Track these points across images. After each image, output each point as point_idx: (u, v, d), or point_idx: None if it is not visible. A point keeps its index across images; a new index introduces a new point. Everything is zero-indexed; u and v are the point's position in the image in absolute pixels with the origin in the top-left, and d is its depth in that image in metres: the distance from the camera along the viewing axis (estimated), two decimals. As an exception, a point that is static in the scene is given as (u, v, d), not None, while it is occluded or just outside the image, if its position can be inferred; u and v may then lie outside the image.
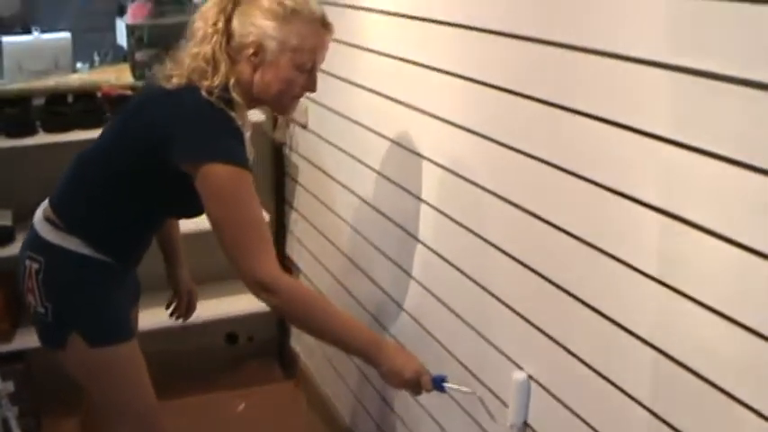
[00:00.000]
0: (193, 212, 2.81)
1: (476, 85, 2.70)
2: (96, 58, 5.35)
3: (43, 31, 4.74)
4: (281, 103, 2.84)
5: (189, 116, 2.62)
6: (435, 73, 2.96)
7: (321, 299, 2.90)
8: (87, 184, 2.83)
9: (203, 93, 2.60)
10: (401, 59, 3.22)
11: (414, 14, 3.09)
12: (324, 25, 2.75)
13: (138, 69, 4.76)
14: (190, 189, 2.61)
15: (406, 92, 3.22)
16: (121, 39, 5.76)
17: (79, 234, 2.78)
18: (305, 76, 2.76)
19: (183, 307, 3.51)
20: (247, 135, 2.76)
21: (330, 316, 2.75)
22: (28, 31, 4.77)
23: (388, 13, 3.31)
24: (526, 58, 2.45)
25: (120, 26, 5.79)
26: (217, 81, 2.63)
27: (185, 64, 2.68)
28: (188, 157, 2.58)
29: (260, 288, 2.60)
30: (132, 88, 4.46)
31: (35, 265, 2.80)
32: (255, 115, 4.64)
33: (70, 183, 2.87)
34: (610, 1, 2.08)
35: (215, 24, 2.68)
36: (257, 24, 2.66)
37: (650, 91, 1.95)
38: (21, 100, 4.31)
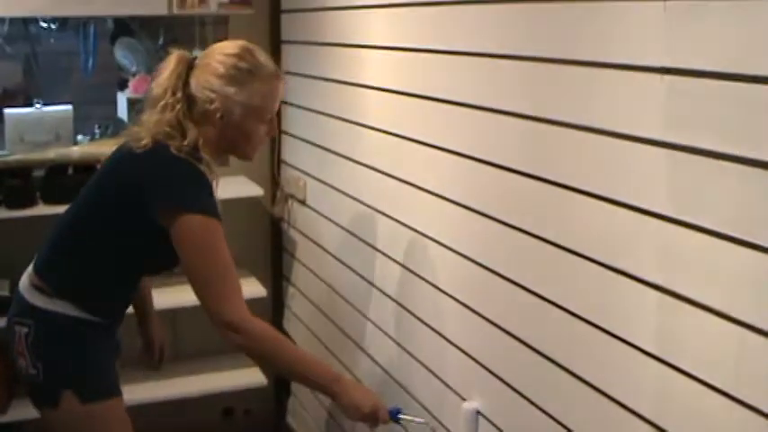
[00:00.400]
0: (172, 264, 2.89)
1: (475, 163, 2.72)
2: (97, 131, 5.39)
3: (45, 104, 4.77)
4: (246, 153, 2.97)
5: (162, 172, 2.75)
6: (434, 150, 2.98)
7: (285, 339, 3.02)
8: (70, 247, 2.91)
9: (173, 150, 2.72)
10: (400, 137, 3.24)
11: (414, 92, 3.12)
12: (277, 77, 2.89)
13: (138, 143, 4.77)
14: (166, 241, 2.71)
15: (404, 169, 3.24)
16: (122, 112, 5.80)
17: (66, 297, 2.83)
18: (266, 125, 2.90)
19: (156, 354, 3.54)
20: (215, 185, 2.85)
21: (294, 355, 2.92)
22: (30, 104, 4.80)
23: (388, 91, 3.35)
24: (524, 137, 2.47)
25: (122, 100, 5.83)
26: (187, 142, 2.74)
27: (152, 127, 2.77)
28: (164, 210, 2.70)
29: (229, 329, 2.71)
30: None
31: (24, 330, 2.85)
32: (253, 190, 4.66)
33: (53, 248, 2.93)
34: (608, 80, 2.10)
35: (174, 93, 2.79)
36: (218, 91, 2.78)
37: (648, 169, 1.97)
38: (21, 171, 4.33)
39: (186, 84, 2.81)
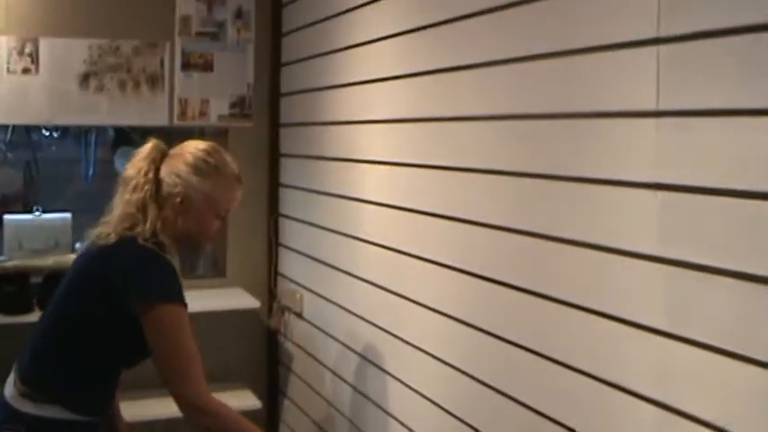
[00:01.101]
0: (148, 354, 2.91)
1: (471, 278, 2.74)
2: (95, 239, 5.38)
3: (44, 211, 4.80)
4: (200, 243, 3.07)
5: (131, 264, 2.83)
6: (430, 264, 3.00)
7: (242, 416, 3.02)
8: (49, 351, 2.93)
9: (140, 240, 2.82)
10: (397, 251, 3.27)
11: (410, 207, 3.16)
12: (238, 181, 3.03)
13: (135, 252, 4.79)
14: (140, 331, 2.79)
15: (400, 283, 3.26)
16: (121, 221, 5.80)
17: (53, 401, 2.85)
18: (219, 220, 3.01)
19: None
20: (175, 263, 2.94)
21: (251, 428, 2.94)
22: (29, 210, 4.82)
23: (385, 205, 3.38)
24: (519, 252, 2.50)
25: (121, 209, 5.83)
26: (148, 226, 2.85)
27: (115, 217, 2.90)
28: (135, 301, 2.78)
29: (194, 410, 2.80)
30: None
31: None
32: (250, 302, 4.66)
33: (33, 354, 2.96)
34: (602, 196, 2.14)
35: (146, 174, 2.93)
36: (184, 178, 2.92)
37: (643, 284, 1.99)
38: (19, 277, 4.34)
39: (158, 170, 2.94)
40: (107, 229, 2.89)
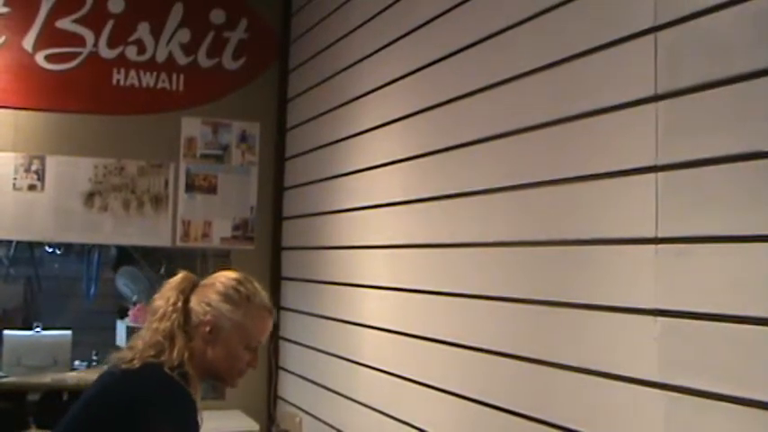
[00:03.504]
0: None
1: (473, 404, 2.73)
2: (94, 358, 5.38)
3: (44, 328, 4.80)
4: (228, 377, 2.94)
5: (152, 393, 2.71)
6: (431, 390, 3.00)
7: None
8: None
9: (166, 369, 2.71)
10: (397, 376, 3.27)
11: (411, 332, 3.17)
12: (269, 312, 2.93)
13: (134, 372, 4.77)
14: None
15: (401, 408, 3.24)
16: (121, 340, 5.81)
17: None
18: (250, 353, 2.89)
19: None
20: (198, 403, 2.84)
21: None
22: (29, 326, 4.83)
23: (385, 330, 3.39)
24: (520, 378, 2.50)
25: (121, 328, 5.85)
26: (175, 355, 2.75)
27: (140, 345, 2.80)
28: (146, 429, 2.65)
29: None
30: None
31: None
32: (249, 425, 4.63)
33: None
34: (603, 322, 2.15)
35: (174, 304, 2.83)
36: (214, 306, 2.83)
37: (644, 410, 1.99)
38: (15, 394, 4.30)
39: (187, 300, 2.87)
40: (131, 354, 2.79)
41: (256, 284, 2.95)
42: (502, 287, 2.62)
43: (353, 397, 3.70)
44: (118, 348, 5.74)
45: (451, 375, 2.90)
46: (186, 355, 2.78)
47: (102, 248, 6.26)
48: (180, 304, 2.85)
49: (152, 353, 2.76)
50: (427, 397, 3.03)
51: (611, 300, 2.12)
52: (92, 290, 6.36)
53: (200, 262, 5.38)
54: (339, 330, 3.86)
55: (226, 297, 2.86)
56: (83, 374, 4.71)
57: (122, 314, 5.98)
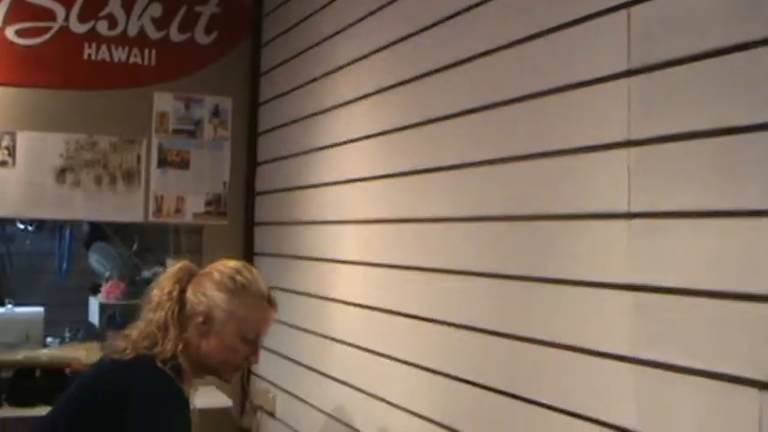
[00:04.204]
0: None
1: (447, 379, 2.74)
2: (67, 335, 5.38)
3: (16, 304, 4.78)
4: (224, 371, 2.90)
5: (143, 389, 2.65)
6: (405, 365, 2.99)
7: None
8: None
9: (158, 363, 2.67)
10: (370, 351, 3.26)
11: (384, 307, 3.17)
12: (269, 302, 2.88)
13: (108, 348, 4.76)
14: None
15: (374, 383, 3.24)
16: (93, 316, 5.80)
17: None
18: (248, 346, 2.84)
19: None
20: (192, 399, 2.80)
21: None
22: (1, 303, 4.80)
23: (358, 306, 3.39)
24: (493, 353, 2.50)
25: (93, 304, 5.85)
26: (168, 346, 2.70)
27: (135, 335, 2.75)
28: (131, 428, 2.58)
29: None
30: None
31: None
32: (222, 400, 4.63)
33: None
34: (575, 297, 2.16)
35: (169, 293, 2.80)
36: (208, 295, 2.79)
37: (616, 385, 2.00)
38: (-12, 372, 4.28)
39: (183, 290, 2.82)
40: (125, 343, 2.74)
41: (256, 273, 2.91)
42: (473, 262, 2.62)
43: (326, 372, 3.71)
44: (91, 326, 5.76)
45: (423, 350, 2.90)
46: (180, 346, 2.73)
47: (75, 225, 6.26)
48: (175, 294, 2.80)
49: (145, 344, 2.72)
50: (400, 372, 3.03)
51: (583, 274, 2.13)
52: (64, 266, 6.35)
53: (172, 238, 5.37)
54: (312, 306, 3.86)
55: (221, 286, 2.81)
56: (55, 352, 4.69)
57: (95, 291, 5.98)
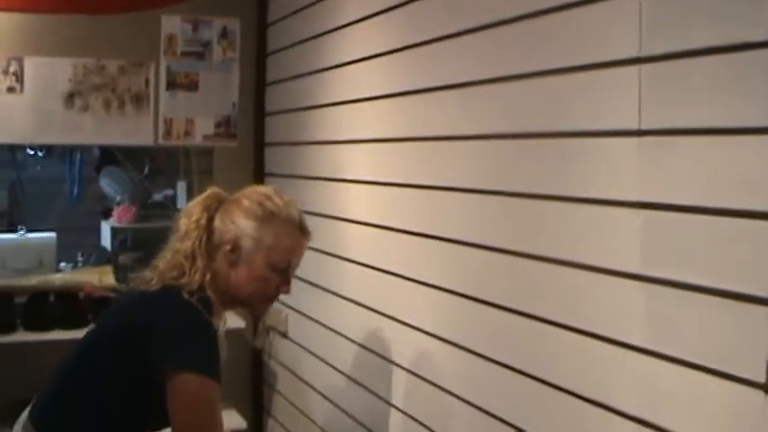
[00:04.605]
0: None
1: (459, 298, 2.73)
2: (80, 259, 5.40)
3: (29, 230, 4.79)
4: (255, 303, 2.85)
5: (169, 321, 2.60)
6: (418, 285, 2.99)
7: None
8: (72, 397, 2.70)
9: (184, 294, 2.60)
10: (382, 271, 3.26)
11: (397, 227, 3.16)
12: (301, 229, 2.79)
13: (120, 272, 4.80)
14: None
15: (387, 303, 3.25)
16: (105, 240, 5.82)
17: None
18: (279, 276, 2.77)
19: None
20: (222, 332, 2.76)
21: None
22: (14, 229, 4.81)
23: (371, 225, 3.38)
24: (506, 272, 2.49)
25: (105, 228, 5.87)
26: (196, 277, 2.65)
27: (162, 266, 2.71)
28: (162, 362, 2.53)
29: None
30: (115, 290, 4.47)
31: None
32: (235, 322, 4.64)
33: (54, 399, 2.73)
34: (586, 215, 2.14)
35: (197, 221, 2.73)
36: (236, 223, 2.72)
37: (625, 302, 1.99)
38: (2, 297, 4.31)
39: (211, 218, 2.76)
40: (152, 273, 2.70)
41: (287, 199, 2.83)
42: (485, 180, 2.60)
43: (338, 291, 3.71)
44: (103, 250, 5.77)
45: (436, 269, 2.90)
46: (208, 277, 2.67)
47: (85, 149, 6.25)
48: (203, 222, 2.74)
49: (173, 274, 2.67)
50: (412, 291, 3.03)
51: (593, 192, 2.11)
52: (75, 191, 6.36)
53: (183, 160, 5.37)
54: (323, 226, 3.85)
55: (249, 213, 2.73)
56: (68, 276, 4.73)
57: (107, 215, 5.99)
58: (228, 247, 2.71)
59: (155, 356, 2.53)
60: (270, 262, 2.73)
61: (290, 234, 2.77)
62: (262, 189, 2.86)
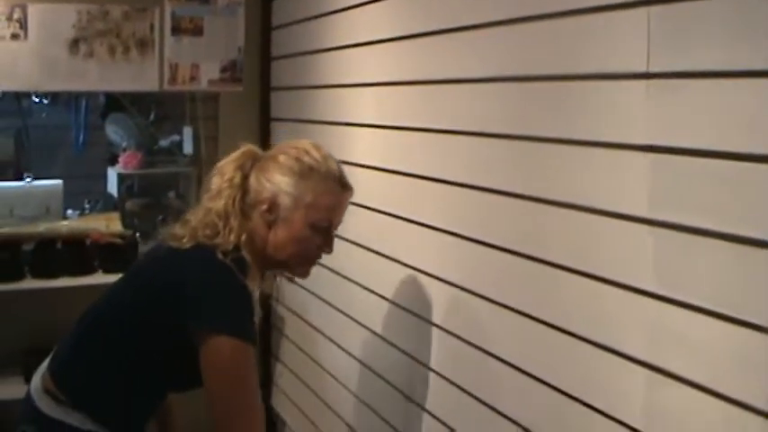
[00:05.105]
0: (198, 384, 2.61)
1: (464, 241, 2.73)
2: (87, 206, 5.40)
3: (35, 178, 4.79)
4: (294, 265, 2.73)
5: (202, 282, 2.50)
6: (421, 227, 2.99)
7: None
8: (94, 354, 2.63)
9: (219, 254, 2.49)
10: (386, 213, 3.26)
11: (401, 170, 3.15)
12: (342, 184, 2.68)
13: (127, 218, 4.80)
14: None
15: (390, 245, 3.25)
16: (112, 187, 5.82)
17: (83, 409, 2.55)
18: (320, 236, 2.65)
19: None
20: (256, 295, 2.62)
21: None
22: (20, 177, 4.82)
23: (375, 168, 3.37)
24: (512, 215, 2.49)
25: (112, 175, 5.86)
26: (231, 237, 2.53)
27: (194, 222, 2.59)
28: (196, 325, 2.44)
29: None
30: (122, 236, 4.48)
31: None
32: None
33: (74, 352, 2.66)
34: (594, 158, 2.13)
35: (231, 180, 2.62)
36: (273, 180, 2.59)
37: (633, 246, 1.98)
38: (10, 245, 4.32)
39: (246, 176, 2.64)
40: (184, 230, 2.57)
41: (326, 153, 2.69)
42: (493, 123, 2.59)
43: (345, 236, 3.70)
44: (109, 196, 5.77)
45: (443, 212, 2.89)
46: (243, 237, 2.56)
47: (91, 96, 6.24)
48: (237, 180, 2.62)
49: (206, 233, 2.55)
50: (419, 234, 3.03)
51: (601, 135, 2.10)
52: (81, 138, 6.35)
53: (189, 106, 5.35)
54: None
55: (286, 169, 2.60)
56: (75, 223, 4.73)
57: (113, 161, 5.99)
58: (265, 207, 2.59)
59: (187, 318, 2.46)
60: (310, 221, 2.61)
61: (331, 190, 2.65)
62: (298, 144, 2.71)
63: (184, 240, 2.55)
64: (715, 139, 1.75)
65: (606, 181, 2.09)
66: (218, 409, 2.44)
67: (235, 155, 2.69)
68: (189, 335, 2.44)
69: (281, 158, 2.63)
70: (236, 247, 2.53)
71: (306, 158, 2.62)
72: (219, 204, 2.58)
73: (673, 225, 1.86)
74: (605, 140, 2.08)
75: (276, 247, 2.61)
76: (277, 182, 2.59)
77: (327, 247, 2.69)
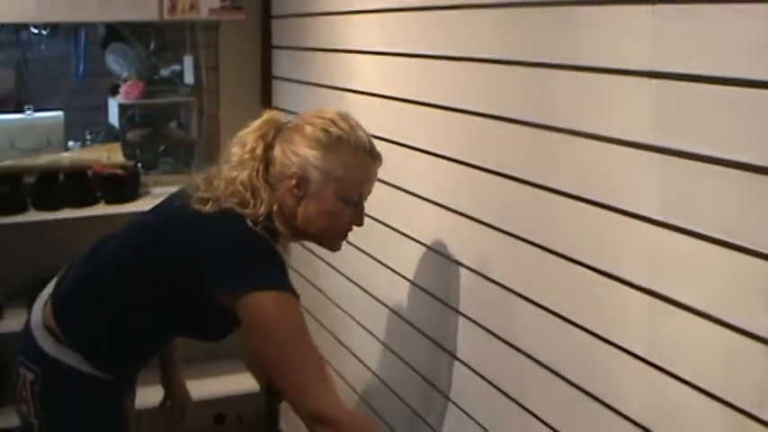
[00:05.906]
0: (213, 338, 2.67)
1: (468, 168, 2.71)
2: (88, 137, 5.40)
3: (36, 110, 4.78)
4: (327, 239, 2.68)
5: (231, 245, 2.45)
6: (427, 155, 2.97)
7: (376, 428, 2.66)
8: (98, 295, 2.63)
9: (248, 222, 2.44)
10: (391, 142, 3.22)
11: (405, 98, 3.12)
12: (371, 155, 2.62)
13: (129, 149, 4.79)
14: (213, 315, 2.51)
15: (396, 173, 3.21)
16: (113, 118, 5.81)
17: (82, 350, 2.58)
18: (351, 208, 2.60)
19: (177, 415, 3.29)
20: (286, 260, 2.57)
21: None
22: (21, 110, 4.80)
23: (379, 96, 3.34)
24: (516, 143, 2.46)
25: (113, 105, 5.85)
26: (262, 210, 2.46)
27: (220, 187, 2.52)
28: (227, 288, 2.40)
29: (317, 422, 2.30)
30: (123, 167, 4.47)
31: (30, 376, 2.60)
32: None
33: (78, 289, 2.66)
34: (598, 84, 2.10)
35: (252, 150, 2.55)
36: (300, 153, 2.52)
37: (637, 173, 1.97)
38: (12, 177, 4.30)
39: (268, 146, 2.57)
40: (207, 194, 2.50)
41: (354, 123, 2.62)
42: (496, 49, 2.56)
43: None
44: (111, 127, 5.76)
45: (448, 141, 2.86)
46: (275, 208, 2.50)
47: (90, 27, 6.20)
48: (259, 152, 2.55)
49: (234, 201, 2.48)
50: (420, 161, 3.00)
51: (606, 61, 2.07)
52: (81, 69, 6.33)
53: (189, 35, 5.31)
54: (332, 99, 3.82)
55: (313, 141, 2.52)
56: (77, 154, 4.73)
57: (114, 92, 5.97)
58: (293, 182, 2.52)
59: (217, 281, 2.41)
60: (340, 195, 2.55)
61: (362, 162, 2.59)
62: (324, 113, 2.62)
63: (208, 207, 2.48)
64: (721, 64, 1.73)
65: (610, 107, 2.07)
66: (275, 370, 2.37)
67: (256, 124, 2.62)
68: (215, 297, 2.41)
69: (308, 129, 2.55)
70: (268, 217, 2.48)
71: (333, 129, 2.55)
72: (244, 175, 2.51)
73: (677, 152, 1.84)
74: (610, 66, 2.05)
75: (306, 221, 2.56)
76: (304, 155, 2.52)
77: (358, 219, 2.63)
